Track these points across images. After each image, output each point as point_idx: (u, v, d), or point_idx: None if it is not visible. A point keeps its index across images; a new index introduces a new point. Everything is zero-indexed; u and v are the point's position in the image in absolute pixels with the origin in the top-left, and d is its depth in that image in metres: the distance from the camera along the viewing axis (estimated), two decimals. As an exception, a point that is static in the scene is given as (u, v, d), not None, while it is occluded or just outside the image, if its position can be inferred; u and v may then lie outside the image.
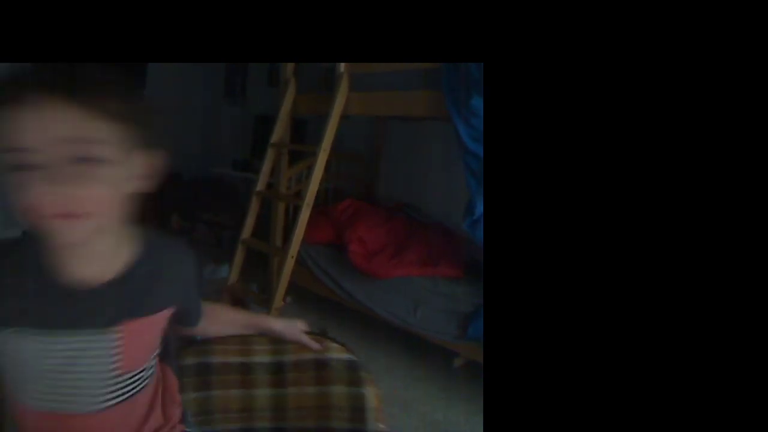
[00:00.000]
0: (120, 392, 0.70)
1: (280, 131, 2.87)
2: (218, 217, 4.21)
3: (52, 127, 0.55)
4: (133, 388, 0.72)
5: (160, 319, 0.74)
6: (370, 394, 0.98)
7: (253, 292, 2.96)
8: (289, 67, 2.84)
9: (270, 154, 2.88)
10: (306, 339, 0.98)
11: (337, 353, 1.00)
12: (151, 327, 0.73)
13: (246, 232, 2.86)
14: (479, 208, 1.96)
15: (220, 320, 0.96)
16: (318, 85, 2.88)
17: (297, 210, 2.60)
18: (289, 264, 2.54)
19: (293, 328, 0.99)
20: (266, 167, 2.89)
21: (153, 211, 4.50)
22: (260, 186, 2.88)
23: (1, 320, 0.63)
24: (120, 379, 0.70)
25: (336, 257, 2.75)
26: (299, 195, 2.81)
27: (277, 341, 0.99)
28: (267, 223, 3.03)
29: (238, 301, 2.87)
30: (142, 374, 0.73)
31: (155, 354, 0.77)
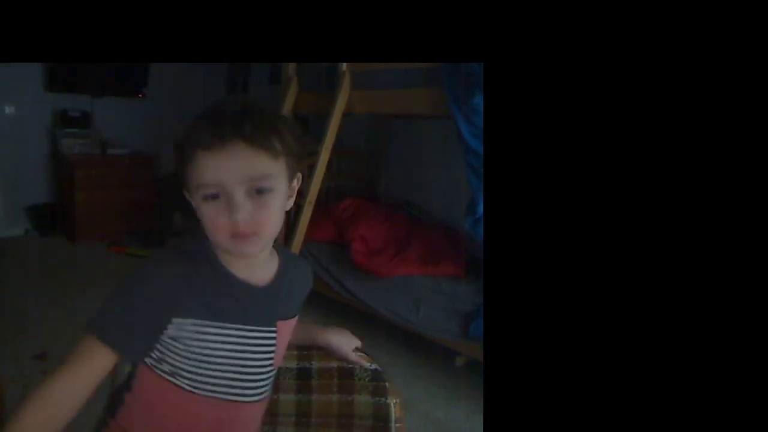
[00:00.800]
0: (269, 386, 0.85)
1: (281, 129, 2.86)
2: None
3: (239, 168, 0.69)
4: (268, 389, 0.85)
5: (295, 322, 0.89)
6: (395, 405, 0.98)
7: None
8: (291, 65, 2.84)
9: (272, 153, 2.88)
10: (355, 357, 0.98)
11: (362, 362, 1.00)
12: (290, 329, 0.88)
13: (248, 230, 2.86)
14: (481, 207, 1.96)
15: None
16: (320, 84, 2.87)
17: (299, 208, 2.60)
18: (291, 262, 2.54)
19: (347, 345, 0.99)
20: (268, 165, 2.89)
21: (155, 210, 4.51)
22: (262, 184, 2.88)
23: (185, 311, 0.74)
24: (272, 373, 0.85)
25: (338, 255, 2.75)
26: (301, 193, 2.81)
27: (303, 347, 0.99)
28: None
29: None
30: (275, 374, 0.87)
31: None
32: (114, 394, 0.84)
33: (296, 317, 0.89)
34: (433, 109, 2.26)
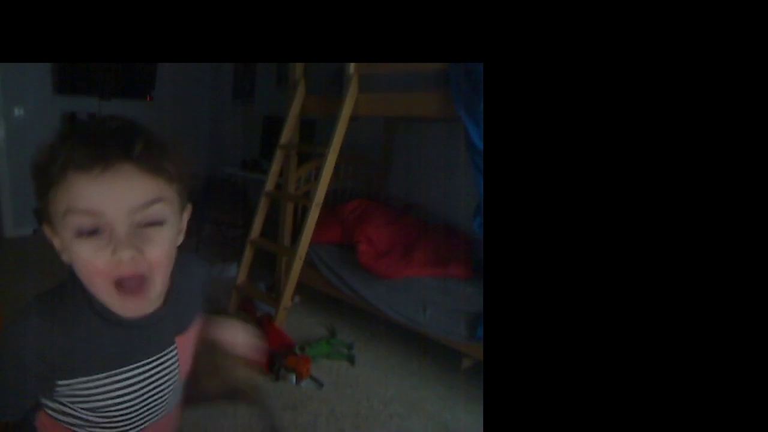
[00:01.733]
0: (176, 396, 0.80)
1: (289, 132, 2.88)
2: (227, 217, 4.23)
3: (125, 194, 0.58)
4: (180, 392, 0.81)
5: (197, 327, 0.82)
6: None
7: (261, 292, 2.98)
8: (299, 68, 2.85)
9: (279, 155, 2.90)
10: (245, 352, 0.92)
11: None
12: (194, 334, 0.81)
13: (254, 232, 2.88)
14: (488, 209, 1.96)
15: None
16: (327, 87, 2.89)
17: (305, 210, 2.61)
18: (298, 264, 2.55)
19: (241, 337, 0.91)
20: (275, 168, 2.91)
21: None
22: (269, 186, 2.90)
23: (67, 373, 0.65)
24: (178, 385, 0.79)
25: (344, 257, 2.76)
26: (308, 195, 2.82)
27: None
28: (275, 223, 3.05)
29: (246, 301, 2.89)
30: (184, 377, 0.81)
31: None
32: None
33: (198, 320, 0.82)
34: (441, 112, 2.27)
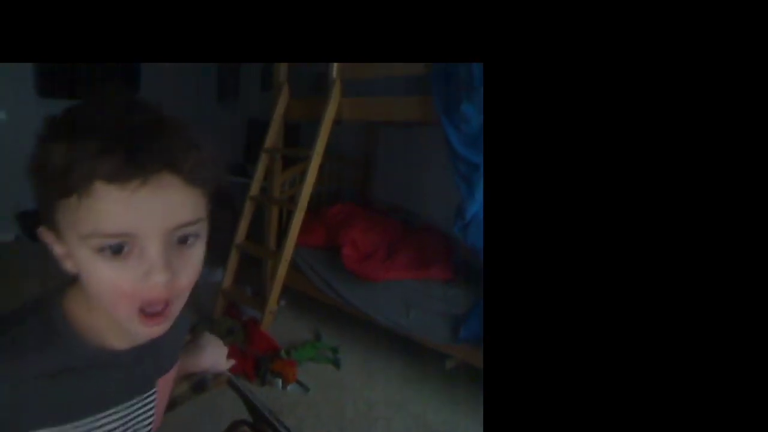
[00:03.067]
0: None
1: (273, 136, 2.89)
2: (211, 221, 4.21)
3: (164, 212, 0.48)
4: None
5: (175, 370, 0.72)
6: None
7: (246, 296, 2.98)
8: (283, 71, 2.86)
9: (263, 159, 2.90)
10: (227, 365, 0.92)
11: None
12: (170, 383, 0.71)
13: (240, 235, 2.88)
14: (469, 212, 1.99)
15: None
16: (311, 90, 2.90)
17: (290, 214, 2.62)
18: (283, 267, 2.56)
19: (221, 359, 0.89)
20: (259, 171, 2.91)
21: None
22: (254, 190, 2.90)
23: (38, 423, 0.53)
24: None
25: (329, 260, 2.77)
26: (292, 199, 2.83)
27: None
28: (261, 227, 3.05)
29: (232, 305, 2.89)
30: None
31: None
32: None
33: (178, 362, 0.72)
34: (423, 116, 2.29)
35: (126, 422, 0.61)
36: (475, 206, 1.98)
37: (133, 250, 0.49)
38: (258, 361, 2.26)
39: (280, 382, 2.19)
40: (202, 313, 2.84)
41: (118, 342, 0.58)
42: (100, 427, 0.58)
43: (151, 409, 0.65)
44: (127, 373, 0.60)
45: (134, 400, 0.62)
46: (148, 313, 0.52)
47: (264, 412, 0.93)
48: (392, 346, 2.59)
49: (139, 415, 0.63)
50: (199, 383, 0.96)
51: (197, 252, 0.54)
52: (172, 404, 0.93)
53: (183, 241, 0.51)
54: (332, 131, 2.59)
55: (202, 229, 0.54)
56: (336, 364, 2.45)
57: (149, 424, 0.65)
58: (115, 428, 0.60)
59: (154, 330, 0.54)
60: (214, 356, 0.88)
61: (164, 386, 0.68)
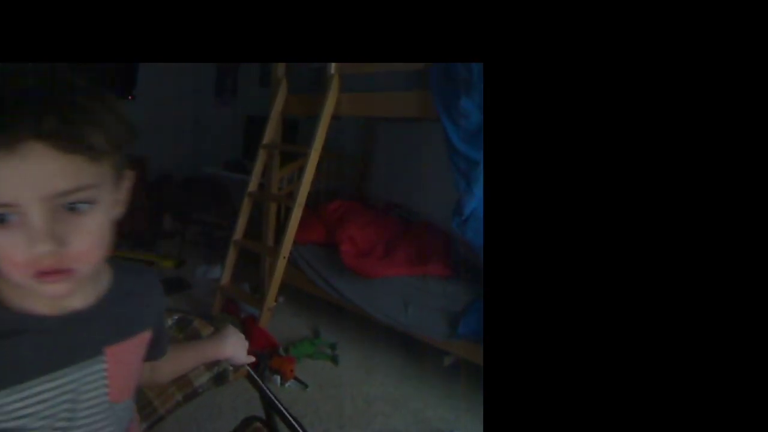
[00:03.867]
0: (114, 426, 0.67)
1: (271, 132, 2.88)
2: (210, 218, 4.22)
3: (39, 180, 0.48)
4: (127, 419, 0.70)
5: (141, 342, 0.71)
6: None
7: (245, 293, 2.97)
8: (281, 67, 2.85)
9: (261, 155, 2.89)
10: (248, 359, 0.99)
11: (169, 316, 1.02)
12: (134, 351, 0.70)
13: (238, 232, 2.88)
14: (468, 208, 1.98)
15: (172, 361, 0.88)
16: (309, 86, 2.89)
17: (288, 210, 2.61)
18: (281, 264, 2.56)
19: (242, 350, 0.97)
20: (258, 168, 2.91)
21: (145, 212, 4.50)
22: (252, 187, 2.89)
23: None
24: (115, 409, 0.66)
25: (327, 257, 2.77)
26: (291, 195, 2.82)
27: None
28: (259, 224, 3.05)
29: (230, 302, 2.88)
30: (131, 402, 0.71)
31: (138, 381, 0.74)
32: None
33: (143, 334, 0.71)
34: (421, 111, 2.28)
35: (66, 391, 0.60)
36: (474, 202, 1.97)
37: (18, 219, 0.49)
38: (256, 357, 2.26)
39: (278, 378, 2.19)
40: (201, 310, 2.84)
41: (42, 307, 0.58)
42: (36, 395, 0.57)
43: (100, 378, 0.63)
44: (58, 339, 0.59)
45: (71, 368, 0.60)
46: (48, 278, 0.52)
47: (280, 407, 1.00)
48: (391, 342, 2.59)
49: (84, 384, 0.62)
50: (220, 375, 1.02)
51: (93, 219, 0.53)
52: (193, 394, 0.99)
53: (73, 208, 0.51)
54: (331, 127, 2.58)
55: (100, 195, 0.53)
56: (334, 360, 2.45)
57: (102, 394, 0.64)
58: (53, 396, 0.59)
59: (58, 288, 0.53)
60: (234, 348, 0.95)
61: (119, 356, 0.66)
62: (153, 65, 4.65)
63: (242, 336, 0.97)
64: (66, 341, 0.60)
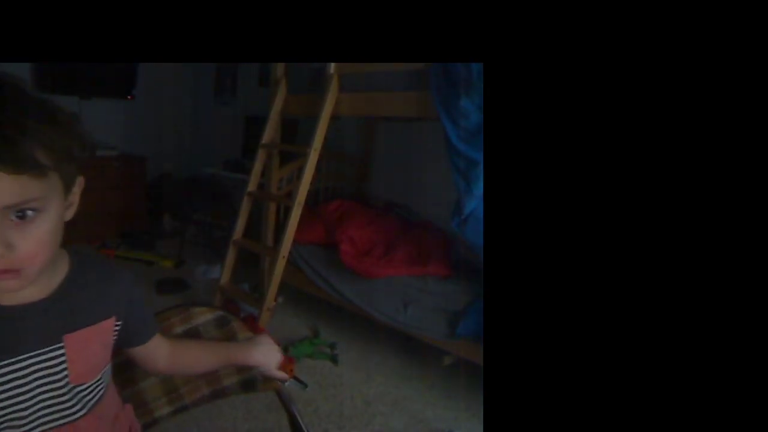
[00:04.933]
0: (84, 403, 0.72)
1: (270, 132, 2.88)
2: (209, 218, 4.22)
3: None
4: (94, 398, 0.74)
5: (102, 330, 0.74)
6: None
7: (244, 292, 2.97)
8: (280, 67, 2.85)
9: (261, 155, 2.89)
10: (280, 374, 0.98)
11: (203, 316, 1.01)
12: (94, 338, 0.73)
13: (237, 232, 2.87)
14: (467, 208, 1.98)
15: (191, 355, 0.92)
16: (309, 86, 2.89)
17: (288, 210, 2.61)
18: (281, 264, 2.56)
19: (273, 359, 0.97)
20: (257, 168, 2.91)
21: (145, 212, 4.50)
22: (251, 186, 2.89)
23: None
24: (78, 389, 0.71)
25: (327, 257, 2.77)
26: (290, 195, 2.82)
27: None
28: (258, 224, 3.05)
29: (230, 302, 2.88)
30: (97, 383, 0.74)
31: (107, 365, 0.77)
32: None
33: (106, 323, 0.75)
34: (421, 111, 2.28)
35: (29, 373, 0.65)
36: (473, 202, 1.97)
37: None
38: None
39: (277, 378, 2.19)
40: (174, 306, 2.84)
41: (1, 299, 0.64)
42: (1, 376, 0.63)
43: (60, 363, 0.68)
44: (19, 327, 0.65)
45: (33, 353, 0.66)
46: None
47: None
48: (390, 342, 2.59)
49: (44, 368, 0.67)
50: (248, 381, 1.03)
51: (39, 225, 0.58)
52: (221, 393, 1.01)
53: (21, 217, 0.56)
54: (330, 127, 2.58)
55: (46, 204, 0.58)
56: (334, 360, 2.45)
57: (63, 377, 0.69)
58: (16, 377, 0.64)
59: (9, 284, 0.59)
60: (264, 357, 0.95)
61: (79, 343, 0.71)
62: (152, 65, 4.65)
63: (276, 348, 0.97)
64: (26, 329, 0.66)
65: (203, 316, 1.02)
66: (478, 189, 1.97)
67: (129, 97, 4.59)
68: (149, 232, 4.37)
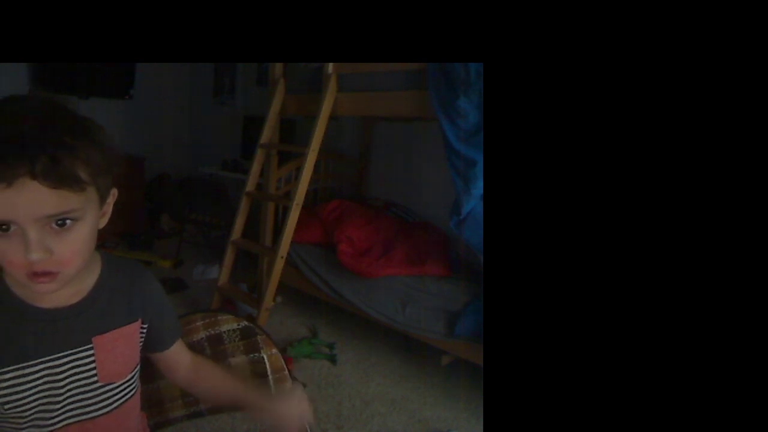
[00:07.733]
0: (108, 402, 0.77)
1: (269, 132, 2.88)
2: (208, 218, 4.21)
3: (31, 207, 0.58)
4: (120, 399, 0.78)
5: (131, 331, 0.79)
6: (269, 357, 1.00)
7: (243, 293, 2.97)
8: (278, 67, 2.84)
9: (259, 155, 2.89)
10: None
11: (228, 324, 1.01)
12: (121, 340, 0.78)
13: (236, 232, 2.87)
14: (465, 208, 1.98)
15: (215, 379, 0.89)
16: (307, 86, 2.89)
17: (286, 210, 2.61)
18: (279, 264, 2.55)
19: (295, 417, 0.84)
20: (255, 168, 2.90)
21: (143, 212, 4.49)
22: (250, 186, 2.89)
23: None
24: (106, 389, 0.76)
25: (325, 257, 2.76)
26: (288, 195, 2.82)
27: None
28: (257, 224, 3.04)
29: (228, 302, 2.88)
30: (126, 385, 0.79)
31: (136, 366, 0.81)
32: None
33: (135, 324, 0.80)
34: (419, 111, 2.28)
35: (60, 371, 0.71)
36: (472, 202, 1.98)
37: (17, 230, 0.60)
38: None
39: (276, 378, 2.18)
40: (198, 311, 2.83)
41: (39, 302, 0.70)
42: (34, 374, 0.69)
43: (89, 363, 0.74)
44: (52, 328, 0.71)
45: (64, 354, 0.72)
46: (37, 273, 0.63)
47: None
48: (389, 342, 2.58)
49: (74, 367, 0.73)
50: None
51: (76, 233, 0.64)
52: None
53: (61, 224, 0.62)
54: (329, 127, 2.58)
55: (84, 213, 0.64)
56: (332, 360, 2.45)
57: (92, 376, 0.74)
58: (48, 375, 0.70)
59: (47, 287, 0.64)
60: (289, 410, 0.84)
61: (107, 344, 0.76)
62: (151, 65, 4.65)
63: (306, 405, 0.85)
64: (58, 330, 0.71)
65: (228, 325, 1.02)
66: (477, 189, 1.97)
67: (127, 96, 4.58)
68: (147, 232, 4.36)
